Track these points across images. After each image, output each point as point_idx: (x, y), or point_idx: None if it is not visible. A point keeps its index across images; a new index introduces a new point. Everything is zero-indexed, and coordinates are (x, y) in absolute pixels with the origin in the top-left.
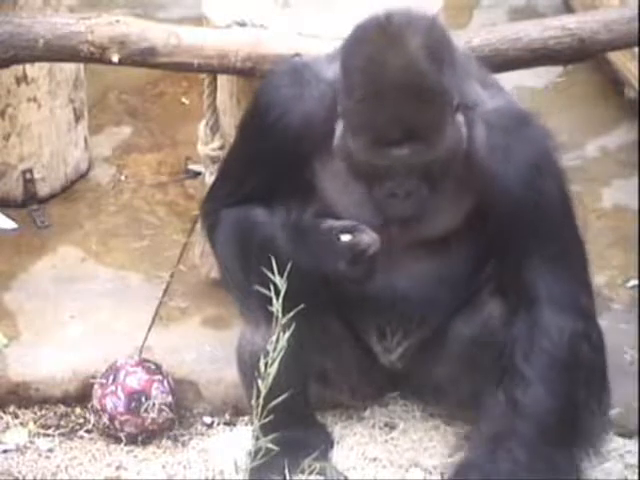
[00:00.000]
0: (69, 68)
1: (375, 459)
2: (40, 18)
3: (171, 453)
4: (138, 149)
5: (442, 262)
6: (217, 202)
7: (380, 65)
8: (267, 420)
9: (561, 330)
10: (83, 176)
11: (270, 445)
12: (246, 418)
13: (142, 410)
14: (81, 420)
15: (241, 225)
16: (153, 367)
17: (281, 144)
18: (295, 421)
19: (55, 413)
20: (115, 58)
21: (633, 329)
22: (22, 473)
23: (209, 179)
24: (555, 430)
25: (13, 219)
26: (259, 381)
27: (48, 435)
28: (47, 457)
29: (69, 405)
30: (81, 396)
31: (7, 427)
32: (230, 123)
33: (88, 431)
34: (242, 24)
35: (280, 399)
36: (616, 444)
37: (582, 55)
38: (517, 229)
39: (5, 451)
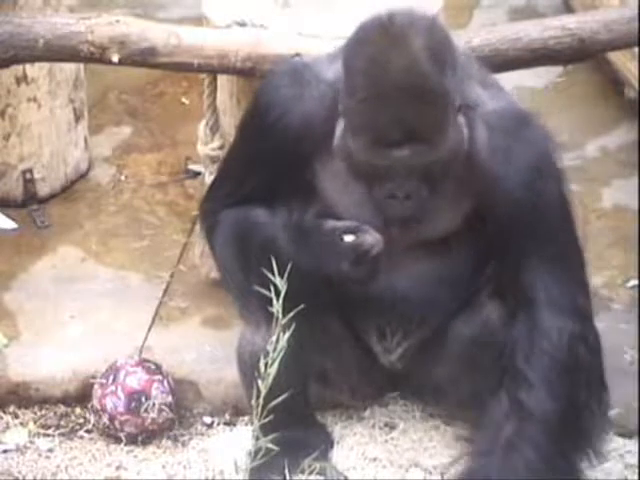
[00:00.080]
0: (69, 68)
1: (375, 459)
2: (40, 18)
3: (171, 453)
4: (138, 149)
5: (442, 263)
6: (216, 202)
7: (382, 66)
8: (267, 420)
9: (560, 332)
10: (83, 176)
11: (270, 445)
12: (246, 418)
13: (142, 410)
14: (81, 420)
15: (241, 226)
16: (153, 367)
17: (281, 144)
18: (295, 421)
19: (55, 413)
20: (115, 58)
21: (633, 329)
22: (22, 473)
23: (209, 179)
24: (559, 431)
25: (13, 219)
26: (259, 381)
27: (48, 435)
28: (47, 457)
29: (69, 405)
30: (81, 396)
31: (7, 427)
32: (230, 123)
33: (88, 431)
34: (242, 24)
35: (280, 399)
36: (616, 444)
37: (582, 55)
38: (516, 230)
39: (5, 451)
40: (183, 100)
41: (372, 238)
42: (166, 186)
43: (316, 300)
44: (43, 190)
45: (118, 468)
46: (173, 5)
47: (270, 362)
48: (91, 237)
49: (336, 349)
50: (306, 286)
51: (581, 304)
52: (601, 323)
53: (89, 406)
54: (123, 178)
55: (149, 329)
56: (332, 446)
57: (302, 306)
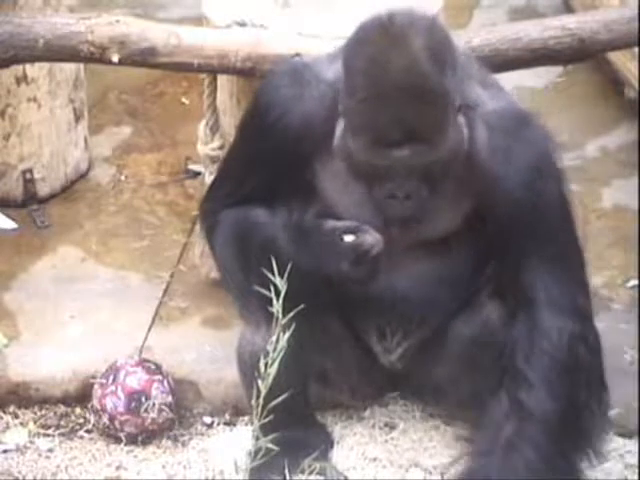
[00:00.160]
0: (69, 68)
1: (375, 459)
2: (40, 18)
3: (171, 453)
4: (138, 149)
5: (442, 263)
6: (216, 202)
7: (382, 66)
8: (267, 420)
9: (560, 332)
10: (83, 176)
11: (270, 445)
12: (246, 418)
13: (142, 410)
14: (81, 420)
15: (241, 226)
16: (153, 367)
17: (281, 144)
18: (295, 421)
19: (55, 413)
20: (115, 58)
21: (633, 329)
22: (22, 473)
23: (209, 179)
24: (559, 431)
25: (13, 219)
26: (259, 381)
27: (48, 435)
28: (47, 457)
29: (69, 405)
30: (81, 396)
31: (7, 427)
32: (230, 123)
33: (88, 431)
34: (242, 24)
35: (280, 399)
36: (616, 444)
37: (582, 55)
38: (517, 230)
39: (5, 451)
40: (183, 100)
41: (372, 238)
42: (166, 186)
43: (316, 300)
44: (43, 190)
45: (118, 468)
46: (173, 5)
47: (270, 362)
48: (91, 237)
49: (336, 349)
50: (306, 286)
51: (581, 304)
52: (601, 323)
53: (89, 406)
54: (123, 178)
55: (149, 329)
56: (332, 446)
57: (302, 306)
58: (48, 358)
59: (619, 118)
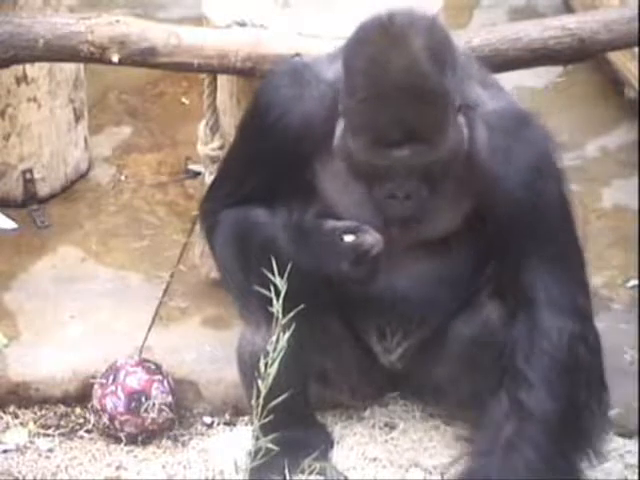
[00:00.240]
0: (69, 68)
1: (375, 459)
2: (40, 18)
3: (171, 453)
4: (138, 149)
5: (442, 263)
6: (216, 202)
7: (382, 66)
8: (267, 420)
9: (560, 332)
10: (83, 176)
11: (270, 445)
12: (246, 418)
13: (142, 410)
14: (81, 420)
15: (241, 226)
16: (153, 367)
17: (281, 144)
18: (295, 421)
19: (55, 413)
20: (115, 58)
21: (633, 329)
22: (22, 473)
23: (209, 179)
24: (559, 431)
25: (13, 219)
26: (259, 381)
27: (48, 435)
28: (47, 457)
29: (69, 405)
30: (81, 396)
31: (7, 427)
32: (230, 123)
33: (88, 431)
34: (242, 24)
35: (280, 399)
36: (616, 444)
37: (582, 55)
38: (517, 230)
39: (5, 451)
40: (183, 100)
41: (372, 238)
42: (166, 186)
43: (316, 300)
44: (43, 190)
45: (118, 468)
46: (173, 5)
47: (270, 362)
48: (91, 237)
49: (336, 349)
50: (306, 286)
51: (581, 304)
52: (601, 323)
53: (89, 406)
54: (123, 178)
55: (149, 329)
56: (332, 446)
57: (302, 306)
58: (48, 358)
59: (619, 118)
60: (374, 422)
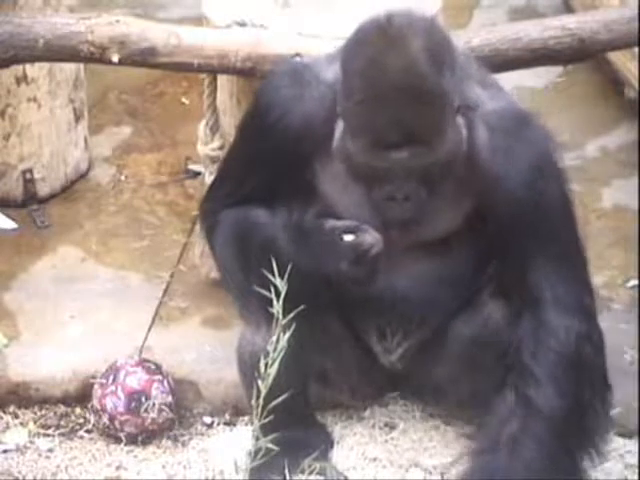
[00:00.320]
0: (69, 68)
1: (375, 459)
2: (40, 18)
3: (171, 453)
4: (138, 149)
5: (442, 263)
6: (216, 202)
7: (380, 67)
8: (267, 420)
9: (567, 330)
10: (83, 176)
11: (270, 445)
12: (246, 418)
13: (142, 410)
14: (81, 420)
15: (241, 226)
16: (153, 367)
17: (281, 145)
18: (295, 421)
19: (55, 413)
20: (115, 58)
21: (633, 329)
22: (22, 473)
23: (209, 179)
24: (563, 429)
25: (13, 219)
26: (259, 381)
27: (48, 435)
28: (47, 457)
29: (69, 405)
30: (81, 396)
31: (7, 427)
32: (230, 123)
33: (88, 431)
34: (242, 24)
35: (280, 399)
36: (616, 444)
37: (582, 55)
38: (519, 230)
39: (5, 451)
40: (183, 100)
41: (372, 238)
42: (166, 186)
43: (316, 300)
44: (43, 190)
45: (118, 468)
46: (173, 5)
47: (270, 362)
48: (91, 237)
49: (336, 349)
50: (306, 286)
51: (586, 303)
52: (601, 323)
53: (89, 406)
54: (123, 178)
55: (149, 329)
56: (332, 446)
57: (302, 306)
58: (48, 358)
59: (619, 118)
60: (374, 422)
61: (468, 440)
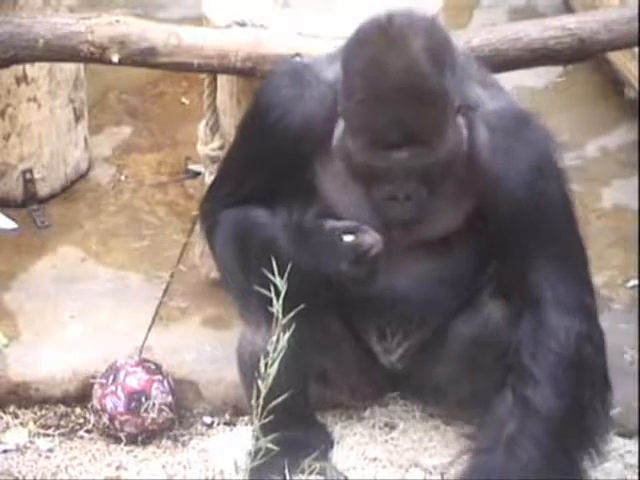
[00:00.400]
0: (69, 68)
1: (375, 459)
2: (40, 18)
3: (171, 453)
4: (138, 149)
5: (442, 263)
6: (216, 202)
7: (381, 67)
8: (267, 420)
9: (567, 331)
10: (83, 176)
11: (270, 445)
12: (246, 418)
13: (142, 410)
14: (81, 420)
15: (241, 226)
16: (153, 367)
17: (281, 145)
18: (295, 421)
19: (55, 413)
20: (115, 58)
21: (633, 329)
22: (22, 473)
23: (209, 179)
24: (563, 429)
25: (13, 219)
26: (259, 381)
27: (48, 435)
28: (47, 457)
29: (69, 405)
30: (81, 396)
31: (7, 427)
32: (230, 123)
33: (88, 431)
34: (242, 24)
35: (280, 399)
36: (616, 444)
37: (582, 55)
38: (520, 230)
39: (5, 451)
40: (183, 100)
41: (371, 238)
42: (166, 186)
43: (316, 300)
44: (43, 190)
45: (118, 468)
46: (173, 5)
47: (270, 362)
48: (91, 237)
49: (336, 349)
50: (306, 286)
51: (587, 303)
52: (601, 323)
53: (89, 406)
54: (123, 178)
55: (149, 329)
56: (332, 446)
57: (302, 306)
58: (48, 358)
59: (619, 118)
60: (374, 422)
61: (468, 440)
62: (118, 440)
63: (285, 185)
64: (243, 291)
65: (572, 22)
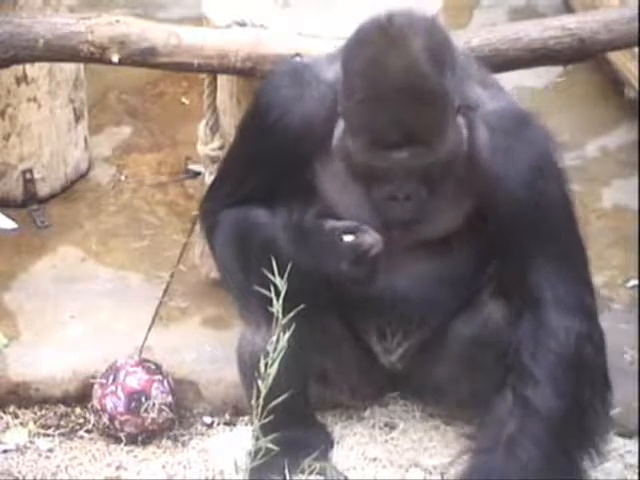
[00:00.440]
0: (69, 68)
1: (375, 459)
2: (40, 18)
3: (171, 453)
4: (138, 149)
5: (442, 263)
6: (216, 202)
7: (381, 67)
8: (267, 420)
9: (567, 331)
10: (83, 176)
11: (270, 445)
12: (246, 418)
13: (142, 410)
14: (81, 420)
15: (241, 226)
16: (153, 367)
17: (281, 145)
18: (295, 421)
19: (55, 413)
20: (115, 58)
21: (633, 329)
22: (22, 473)
23: (209, 179)
24: (563, 429)
25: (13, 219)
26: (259, 381)
27: (48, 435)
28: (47, 457)
29: (69, 405)
30: (81, 396)
31: (7, 427)
32: (230, 123)
33: (88, 431)
34: (242, 24)
35: (280, 399)
36: (616, 444)
37: (582, 55)
38: (520, 230)
39: (5, 451)
40: (183, 100)
41: (371, 238)
42: (166, 186)
43: (316, 300)
44: (43, 190)
45: (118, 468)
46: (173, 5)
47: (270, 362)
48: (91, 237)
49: (336, 349)
50: (306, 286)
51: (587, 303)
52: (601, 323)
53: (89, 406)
54: (123, 178)
55: (149, 329)
56: (332, 446)
57: (302, 306)
58: (48, 358)
59: (619, 118)
60: (374, 422)
61: (468, 440)
62: (118, 440)
63: (285, 185)
64: (243, 291)
65: (572, 22)
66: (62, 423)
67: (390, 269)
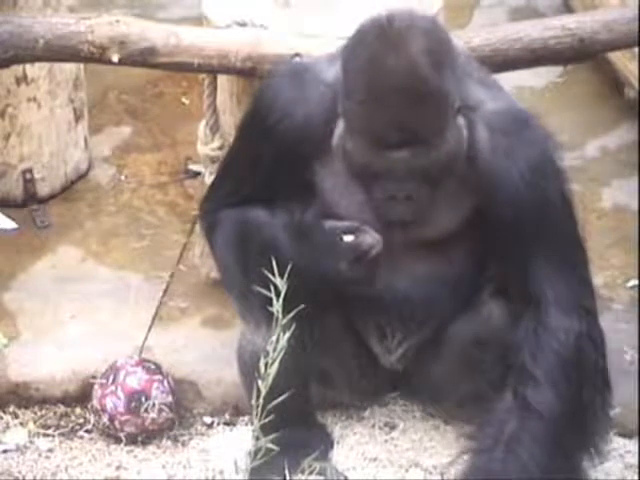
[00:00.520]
0: (69, 68)
1: (375, 459)
2: (40, 18)
3: (171, 453)
4: (138, 149)
5: (443, 263)
6: (216, 202)
7: (381, 68)
8: (267, 420)
9: (567, 331)
10: (83, 176)
11: (270, 445)
12: (246, 418)
13: (142, 410)
14: (81, 420)
15: (241, 226)
16: (153, 367)
17: (281, 145)
18: (295, 421)
19: (55, 413)
20: (115, 58)
21: (633, 329)
22: (22, 473)
23: (209, 179)
24: (563, 429)
25: (13, 219)
26: (259, 381)
27: (48, 435)
28: (47, 457)
29: (69, 405)
30: (81, 396)
31: (7, 427)
32: (230, 123)
33: (88, 431)
34: (242, 24)
35: (280, 399)
36: (616, 444)
37: (582, 55)
38: (520, 230)
39: (5, 451)
40: (183, 100)
41: (371, 238)
42: (166, 186)
43: (316, 300)
44: (43, 190)
45: (118, 468)
46: (173, 5)
47: (270, 362)
48: (91, 237)
49: (336, 349)
50: (307, 286)
51: (587, 303)
52: (601, 323)
53: (89, 406)
54: (123, 178)
55: (149, 329)
56: (332, 446)
57: (302, 306)
58: (48, 358)
59: (619, 118)
60: (374, 422)
61: (468, 440)
62: (118, 440)
63: (285, 185)
64: (243, 291)
65: (572, 22)
66: (62, 423)
67: (390, 269)
